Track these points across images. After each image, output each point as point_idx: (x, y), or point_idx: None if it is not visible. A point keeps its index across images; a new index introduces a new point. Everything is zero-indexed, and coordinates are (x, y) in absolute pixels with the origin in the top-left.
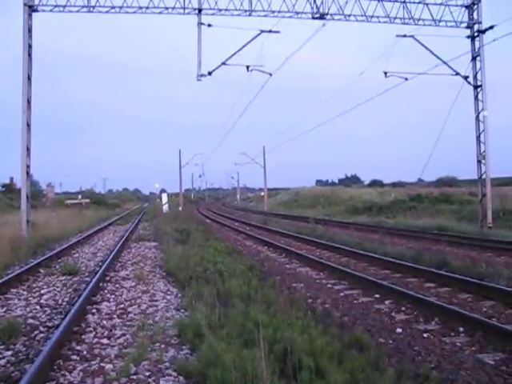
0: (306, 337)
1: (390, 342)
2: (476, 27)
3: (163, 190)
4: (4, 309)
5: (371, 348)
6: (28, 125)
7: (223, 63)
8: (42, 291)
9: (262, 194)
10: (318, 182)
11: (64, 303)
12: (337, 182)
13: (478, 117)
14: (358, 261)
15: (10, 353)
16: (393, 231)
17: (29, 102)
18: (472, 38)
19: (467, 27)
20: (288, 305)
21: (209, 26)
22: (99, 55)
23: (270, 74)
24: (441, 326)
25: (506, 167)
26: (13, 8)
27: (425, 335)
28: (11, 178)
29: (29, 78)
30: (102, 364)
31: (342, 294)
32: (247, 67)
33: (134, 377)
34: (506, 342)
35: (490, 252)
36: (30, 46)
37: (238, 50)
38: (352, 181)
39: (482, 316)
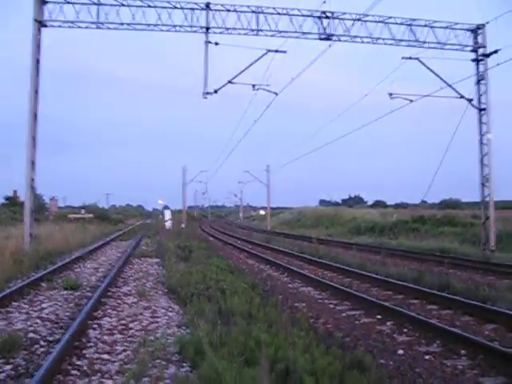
0: (307, 356)
1: (392, 363)
2: (481, 51)
3: (166, 207)
4: (5, 322)
5: (373, 369)
6: (33, 139)
7: (229, 81)
8: (44, 305)
9: (262, 212)
10: (322, 201)
11: (65, 318)
12: (340, 202)
13: (481, 139)
14: (360, 281)
15: (9, 367)
16: (395, 252)
17: (35, 115)
18: (477, 61)
19: (472, 50)
20: (290, 324)
21: (216, 44)
22: (106, 70)
23: (276, 94)
24: (442, 348)
25: (510, 191)
26: (18, 21)
27: (426, 357)
28: (15, 191)
29: (36, 92)
30: (102, 380)
31: (344, 315)
32: (253, 86)
33: None
34: (508, 366)
35: (492, 275)
36: (37, 61)
37: (245, 69)
38: (355, 201)
39: (484, 339)
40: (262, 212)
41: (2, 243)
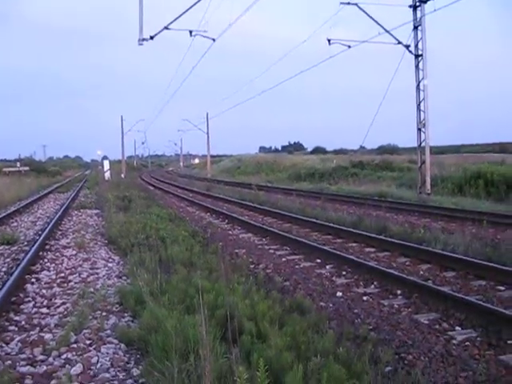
0: (247, 302)
1: (331, 305)
2: None
3: (105, 157)
4: None
5: (312, 312)
6: None
7: (166, 27)
8: None
9: (196, 161)
10: (262, 148)
11: (1, 273)
12: (280, 149)
13: (418, 85)
14: (300, 226)
15: None
16: (335, 197)
17: None
18: (414, 7)
19: None
20: (230, 270)
21: None
22: (38, 19)
23: (214, 40)
24: (380, 289)
25: (444, 136)
26: None
27: (364, 298)
28: None
29: None
30: (41, 334)
31: (284, 260)
32: (190, 32)
33: (75, 345)
34: (440, 303)
35: (428, 217)
36: None
37: (181, 14)
38: (295, 148)
39: (419, 279)
40: (197, 161)
41: None
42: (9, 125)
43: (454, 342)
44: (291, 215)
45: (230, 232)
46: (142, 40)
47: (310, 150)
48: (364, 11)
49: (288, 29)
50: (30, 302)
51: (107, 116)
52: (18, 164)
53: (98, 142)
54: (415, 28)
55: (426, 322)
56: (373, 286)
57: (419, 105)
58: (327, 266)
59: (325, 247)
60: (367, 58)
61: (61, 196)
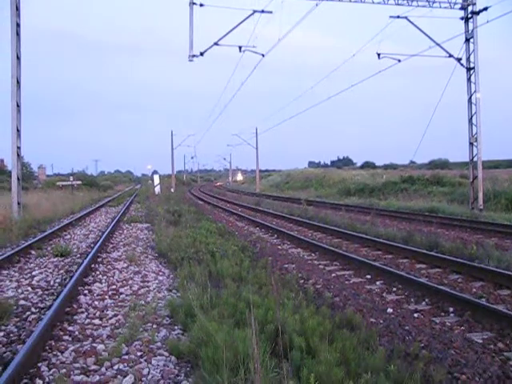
0: (297, 317)
1: (381, 321)
2: (470, 9)
3: (155, 172)
4: None
5: (362, 328)
6: (18, 105)
7: (215, 43)
8: (34, 273)
9: (240, 177)
10: (311, 163)
11: (56, 284)
12: (329, 164)
13: (470, 99)
14: (349, 242)
15: (1, 334)
16: (384, 213)
17: (18, 82)
18: (466, 19)
19: (461, 8)
20: (280, 285)
21: (201, 5)
22: (90, 35)
23: (263, 55)
24: (431, 306)
25: (497, 150)
26: None
27: (415, 315)
28: (1, 160)
29: (18, 58)
30: (93, 344)
31: (333, 275)
32: (239, 48)
33: (126, 357)
34: (494, 321)
35: (480, 233)
36: (18, 25)
37: (231, 31)
38: (344, 163)
39: (472, 296)
40: (240, 177)
41: None
42: (62, 140)
43: (511, 363)
44: (341, 230)
45: (280, 247)
46: (192, 56)
47: (359, 164)
48: (414, 24)
49: (337, 43)
50: (83, 312)
51: (157, 131)
52: (71, 178)
53: (149, 157)
54: (467, 40)
55: (480, 341)
56: (424, 303)
57: (471, 119)
58: (377, 282)
59: (375, 263)
60: (416, 71)
61: (112, 210)
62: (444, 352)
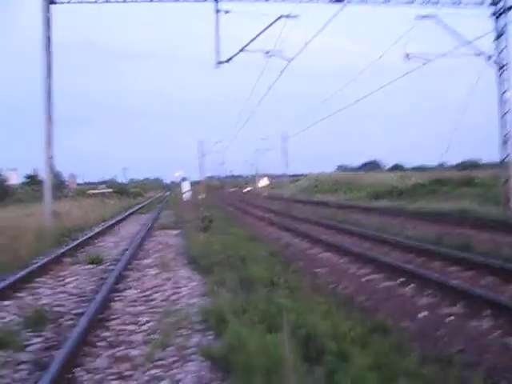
0: (328, 322)
1: (414, 325)
2: (501, 4)
3: (184, 179)
4: (31, 297)
5: (395, 332)
6: (49, 116)
7: (241, 50)
8: (67, 280)
9: (264, 182)
10: (339, 167)
11: (89, 291)
12: (357, 167)
13: (501, 98)
14: (380, 245)
15: (38, 339)
16: (414, 215)
17: (49, 93)
18: (497, 15)
19: (492, 4)
20: (311, 290)
21: (226, 12)
22: (118, 45)
23: (290, 60)
24: (465, 309)
25: None
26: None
27: (449, 319)
28: (35, 170)
29: (49, 69)
30: (128, 350)
31: (364, 279)
32: (266, 53)
33: (160, 362)
34: None
35: None
36: (48, 39)
37: (257, 36)
38: (372, 166)
39: (507, 299)
40: (265, 181)
41: (24, 221)
42: (92, 149)
43: None
44: (371, 234)
45: (310, 251)
46: (218, 63)
47: (388, 167)
48: (443, 23)
49: (363, 44)
50: (116, 319)
51: (186, 137)
52: (102, 186)
53: (177, 164)
54: (498, 37)
55: None
56: (458, 306)
57: (503, 117)
58: (409, 286)
59: (406, 266)
60: (443, 72)
61: (142, 217)
62: (480, 357)
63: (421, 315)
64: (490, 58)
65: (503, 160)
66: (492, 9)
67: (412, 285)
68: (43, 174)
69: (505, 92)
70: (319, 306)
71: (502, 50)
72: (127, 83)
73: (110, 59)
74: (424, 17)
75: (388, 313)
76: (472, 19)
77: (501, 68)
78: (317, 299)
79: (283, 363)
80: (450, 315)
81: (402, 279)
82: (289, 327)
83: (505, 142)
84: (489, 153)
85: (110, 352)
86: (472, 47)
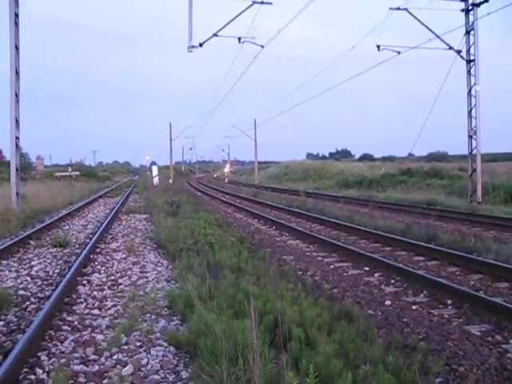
0: (295, 308)
1: (379, 313)
2: (470, 0)
3: (153, 163)
4: None
5: (360, 319)
6: (16, 96)
7: (214, 34)
8: (33, 263)
9: (227, 168)
10: (309, 155)
11: (55, 275)
12: (327, 156)
13: (470, 91)
14: (348, 234)
15: (1, 323)
16: (383, 205)
17: (17, 72)
18: (466, 11)
19: (461, 0)
20: (278, 276)
21: None
22: (90, 24)
23: (262, 46)
24: (429, 298)
25: (495, 143)
26: None
27: (413, 307)
28: (0, 151)
29: (16, 48)
30: (93, 334)
31: (332, 267)
32: (239, 39)
33: (125, 347)
34: (492, 314)
35: (478, 226)
36: (16, 15)
37: (230, 22)
38: (342, 155)
39: (470, 289)
40: (227, 168)
41: None
42: (60, 130)
43: (509, 355)
44: (339, 222)
45: (278, 238)
46: (191, 47)
47: (357, 157)
48: (414, 16)
49: (336, 34)
50: (82, 303)
51: (156, 122)
52: (70, 169)
53: (147, 148)
54: (467, 33)
55: (478, 333)
56: (422, 295)
57: (470, 111)
58: (375, 274)
59: (373, 255)
60: (416, 63)
61: (110, 200)
62: (442, 344)
63: (387, 303)
64: (459, 52)
65: (470, 152)
66: (463, 4)
67: (379, 273)
68: (9, 155)
69: (473, 86)
70: (287, 293)
71: (470, 46)
72: (105, 64)
73: (80, 41)
74: (396, 9)
75: (355, 300)
76: (445, 14)
77: (469, 63)
78: (284, 285)
79: (250, 349)
80: (415, 303)
81: (368, 267)
82: (255, 313)
83: (472, 135)
84: (455, 146)
85: (74, 336)
86: (442, 42)
